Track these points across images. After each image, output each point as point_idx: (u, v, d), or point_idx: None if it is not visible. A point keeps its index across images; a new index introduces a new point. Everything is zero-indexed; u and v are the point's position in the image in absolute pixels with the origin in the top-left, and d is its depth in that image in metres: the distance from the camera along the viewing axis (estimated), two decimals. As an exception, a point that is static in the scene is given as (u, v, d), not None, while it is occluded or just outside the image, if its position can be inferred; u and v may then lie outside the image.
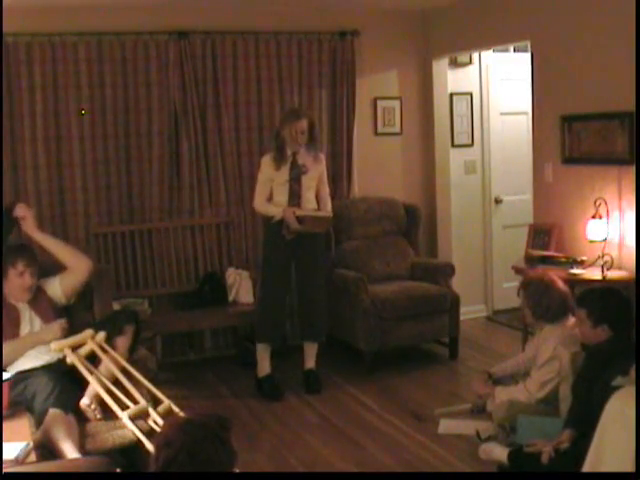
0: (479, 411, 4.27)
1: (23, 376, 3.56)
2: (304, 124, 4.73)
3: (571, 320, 3.82)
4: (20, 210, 4.02)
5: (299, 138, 4.72)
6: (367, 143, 6.13)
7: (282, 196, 4.81)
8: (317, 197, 4.91)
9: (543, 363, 3.80)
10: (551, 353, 3.76)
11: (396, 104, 6.22)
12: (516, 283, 4.29)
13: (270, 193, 4.85)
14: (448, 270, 5.61)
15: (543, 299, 3.88)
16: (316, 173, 4.86)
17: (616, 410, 2.89)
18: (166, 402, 3.47)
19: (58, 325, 3.77)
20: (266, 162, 4.85)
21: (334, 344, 5.70)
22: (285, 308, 5.07)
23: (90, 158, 5.35)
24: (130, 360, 3.76)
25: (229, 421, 2.11)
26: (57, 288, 3.98)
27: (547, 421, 3.60)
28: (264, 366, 4.93)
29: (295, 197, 4.79)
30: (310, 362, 5.03)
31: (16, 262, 3.81)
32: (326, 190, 4.98)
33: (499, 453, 3.58)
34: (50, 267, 4.04)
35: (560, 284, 3.94)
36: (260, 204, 4.90)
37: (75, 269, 4.01)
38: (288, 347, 5.43)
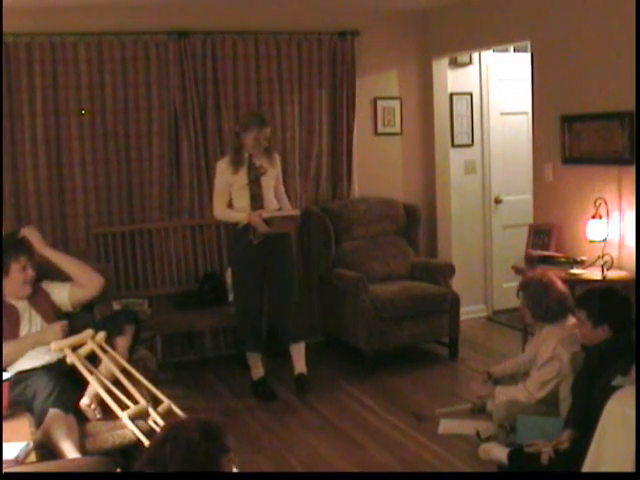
0: (479, 411, 4.27)
1: (23, 376, 3.56)
2: (268, 131, 4.71)
3: (571, 320, 3.82)
4: (24, 231, 4.06)
5: (262, 144, 4.68)
6: (367, 143, 6.13)
7: (243, 200, 4.71)
8: (275, 197, 4.85)
9: (543, 363, 3.80)
10: (551, 353, 3.76)
11: (396, 104, 6.22)
12: (516, 283, 4.28)
13: (229, 199, 4.77)
14: (448, 270, 5.61)
15: (543, 300, 3.87)
16: (273, 173, 4.80)
17: (616, 410, 2.89)
18: (166, 402, 3.47)
19: (59, 326, 3.77)
20: (222, 167, 4.76)
21: (334, 344, 5.71)
22: (263, 313, 4.93)
23: (90, 158, 5.35)
24: (130, 360, 3.76)
25: (218, 427, 2.03)
26: (65, 297, 3.96)
27: (547, 421, 3.60)
28: (256, 370, 4.92)
29: (257, 200, 4.70)
30: (299, 365, 4.92)
31: (18, 257, 3.80)
32: (282, 189, 4.94)
33: (499, 453, 3.58)
34: (57, 270, 4.02)
35: (559, 284, 3.94)
36: (221, 212, 4.80)
37: (86, 286, 3.99)
38: (286, 347, 5.42)
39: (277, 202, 4.84)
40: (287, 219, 4.77)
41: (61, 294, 3.96)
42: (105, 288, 4.07)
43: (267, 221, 4.64)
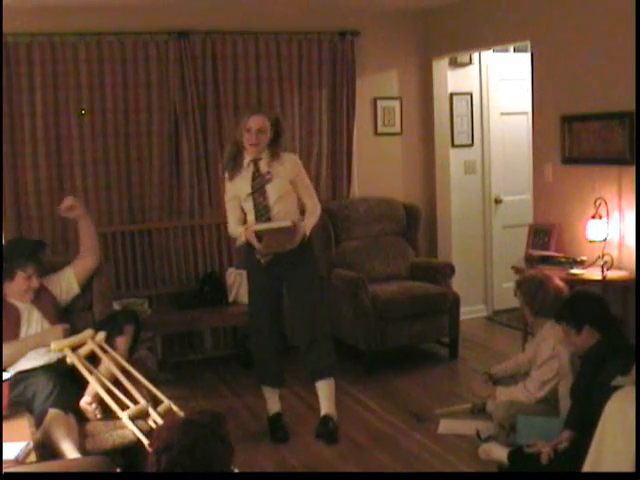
0: (479, 411, 4.28)
1: (23, 376, 3.57)
2: (260, 120, 3.91)
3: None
4: (68, 201, 4.15)
5: (254, 138, 3.92)
6: (367, 143, 6.13)
7: (250, 214, 4.06)
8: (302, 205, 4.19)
9: (543, 362, 3.80)
10: (550, 352, 3.77)
11: (396, 104, 6.22)
12: (516, 283, 4.29)
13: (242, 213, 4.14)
14: (448, 270, 5.61)
15: (539, 293, 3.90)
16: (285, 179, 4.03)
17: (616, 410, 2.89)
18: (166, 402, 3.47)
19: (61, 328, 3.78)
20: (226, 178, 4.14)
21: (334, 344, 5.69)
22: (280, 343, 4.39)
23: (90, 158, 5.35)
24: (130, 360, 3.77)
25: (224, 417, 2.12)
26: (71, 278, 4.04)
27: (547, 421, 3.60)
28: (272, 404, 4.32)
29: (263, 212, 4.00)
30: (327, 407, 4.23)
31: (27, 266, 3.83)
32: (309, 195, 4.17)
33: (499, 453, 3.59)
34: (51, 266, 4.08)
35: (556, 280, 3.97)
36: (230, 227, 4.18)
37: (88, 255, 4.11)
38: (289, 346, 5.41)
39: (306, 210, 4.16)
40: (279, 232, 3.96)
41: (66, 278, 4.04)
42: (102, 259, 4.27)
43: (259, 235, 3.95)
